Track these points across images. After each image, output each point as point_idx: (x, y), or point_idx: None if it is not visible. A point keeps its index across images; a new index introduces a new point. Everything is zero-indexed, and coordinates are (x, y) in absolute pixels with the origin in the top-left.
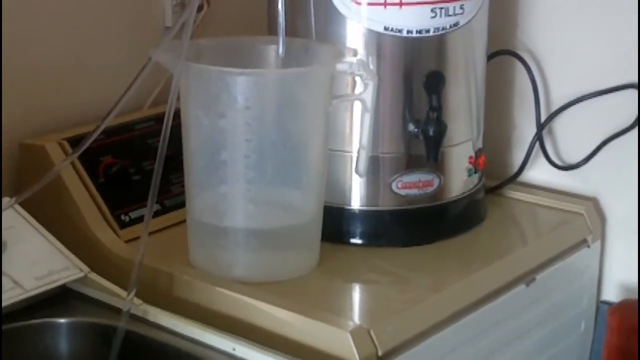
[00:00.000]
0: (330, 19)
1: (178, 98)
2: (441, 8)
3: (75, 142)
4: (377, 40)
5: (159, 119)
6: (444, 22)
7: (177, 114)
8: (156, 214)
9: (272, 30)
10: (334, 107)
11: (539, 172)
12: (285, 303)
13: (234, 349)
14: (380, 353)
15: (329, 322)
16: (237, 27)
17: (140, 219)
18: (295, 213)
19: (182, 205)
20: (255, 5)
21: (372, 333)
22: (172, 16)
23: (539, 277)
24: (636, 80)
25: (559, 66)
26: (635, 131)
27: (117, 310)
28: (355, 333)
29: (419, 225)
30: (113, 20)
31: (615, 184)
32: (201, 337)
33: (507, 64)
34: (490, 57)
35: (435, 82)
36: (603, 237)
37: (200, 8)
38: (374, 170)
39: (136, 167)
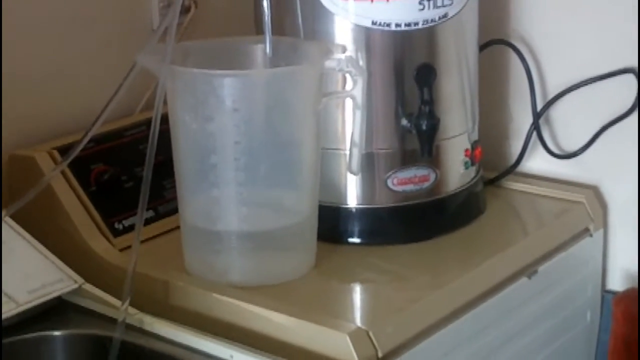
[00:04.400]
0: (318, 16)
1: (166, 102)
2: (429, 0)
3: (65, 151)
4: (366, 36)
5: (150, 124)
6: (432, 14)
7: (166, 118)
8: (150, 221)
9: (259, 30)
10: (324, 105)
11: (538, 162)
12: (282, 307)
13: (231, 356)
14: (380, 354)
15: (327, 324)
16: (226, 28)
17: (134, 227)
18: (289, 214)
19: (176, 210)
20: (243, 6)
21: (371, 334)
22: (160, 19)
23: (541, 268)
24: (633, 64)
25: (553, 54)
26: (633, 117)
27: (113, 321)
28: (354, 335)
29: (416, 222)
30: (100, 25)
31: (615, 171)
32: (198, 344)
33: (500, 54)
34: (483, 47)
35: (427, 75)
36: (605, 225)
37: (188, 9)
38: (369, 167)
39: (128, 173)
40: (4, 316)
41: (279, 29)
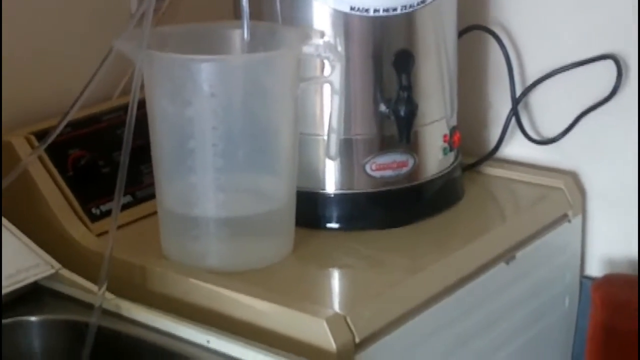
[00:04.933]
0: (296, 1)
1: (143, 87)
2: None
3: (42, 136)
4: (344, 21)
5: (127, 109)
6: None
7: (143, 103)
8: (128, 206)
9: (238, 15)
10: (302, 90)
11: (517, 148)
12: (259, 292)
13: (208, 341)
14: (357, 340)
15: (304, 310)
16: (204, 13)
17: (112, 212)
18: (267, 199)
19: (154, 196)
20: None
21: (348, 320)
22: (138, 3)
23: (519, 254)
24: (612, 50)
25: (532, 39)
26: (612, 103)
27: (90, 306)
28: (331, 320)
29: (395, 207)
30: (77, 9)
31: (594, 157)
32: (175, 330)
33: (479, 40)
34: (462, 33)
35: (405, 61)
36: (584, 211)
37: None
38: (347, 152)
39: (105, 159)
40: None
41: (257, 14)
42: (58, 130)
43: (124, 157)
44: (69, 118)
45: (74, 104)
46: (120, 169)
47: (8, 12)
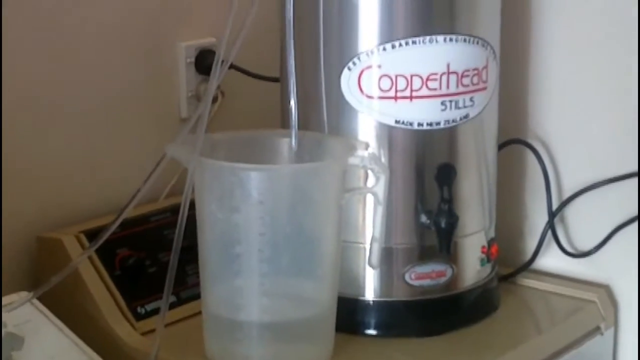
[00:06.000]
0: (342, 113)
1: (193, 190)
2: (451, 101)
3: (91, 234)
4: (389, 133)
5: (174, 210)
6: (454, 114)
7: (192, 205)
8: (172, 306)
9: (285, 122)
10: (347, 200)
11: (552, 260)
12: None
13: None
14: None
15: None
16: (251, 118)
17: (156, 311)
18: (309, 305)
19: (197, 296)
20: (268, 97)
21: None
22: (188, 108)
23: None
24: None
25: (570, 153)
26: None
27: None
28: None
29: (432, 316)
30: (128, 112)
31: (627, 271)
32: None
33: (517, 153)
34: (501, 146)
35: (447, 174)
36: (616, 324)
37: (215, 99)
38: (387, 261)
39: (152, 259)
40: None
41: (304, 123)
42: (110, 232)
43: (174, 258)
44: (122, 219)
45: (126, 206)
46: (170, 269)
47: (63, 113)
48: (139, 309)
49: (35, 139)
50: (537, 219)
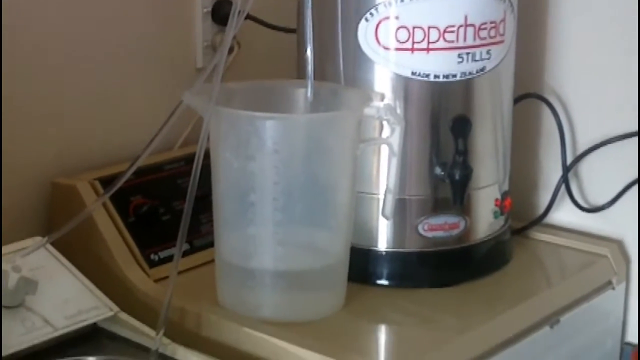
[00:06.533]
0: (359, 64)
1: (208, 139)
2: (468, 53)
3: (106, 181)
4: (405, 85)
5: (189, 159)
6: (470, 67)
7: (206, 154)
8: (185, 254)
9: (301, 73)
10: (362, 150)
11: (565, 214)
12: (311, 344)
13: None
14: None
15: None
16: (267, 68)
17: (169, 259)
18: (322, 255)
19: (210, 244)
20: (284, 47)
21: None
22: (203, 58)
23: (563, 319)
24: None
25: (585, 108)
26: None
27: (146, 349)
28: None
29: (445, 267)
30: (145, 60)
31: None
32: None
33: (533, 107)
34: (517, 100)
35: (462, 127)
36: (628, 279)
37: (231, 50)
38: (401, 212)
39: (166, 207)
40: (41, 340)
41: (320, 74)
42: (124, 179)
43: (188, 206)
44: (136, 167)
45: (141, 154)
46: (184, 217)
47: (78, 58)
48: (152, 256)
49: (52, 87)
50: (551, 173)
